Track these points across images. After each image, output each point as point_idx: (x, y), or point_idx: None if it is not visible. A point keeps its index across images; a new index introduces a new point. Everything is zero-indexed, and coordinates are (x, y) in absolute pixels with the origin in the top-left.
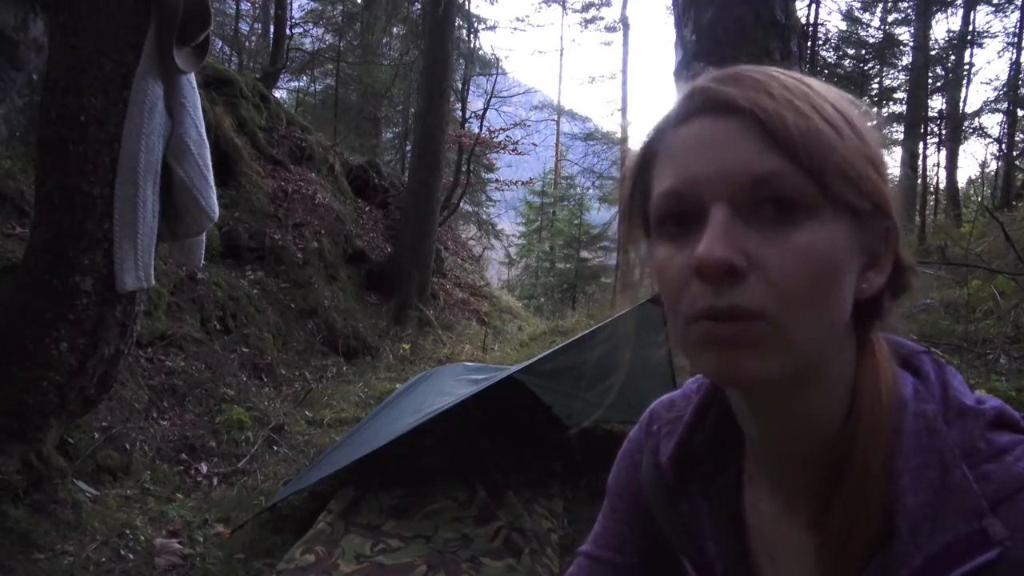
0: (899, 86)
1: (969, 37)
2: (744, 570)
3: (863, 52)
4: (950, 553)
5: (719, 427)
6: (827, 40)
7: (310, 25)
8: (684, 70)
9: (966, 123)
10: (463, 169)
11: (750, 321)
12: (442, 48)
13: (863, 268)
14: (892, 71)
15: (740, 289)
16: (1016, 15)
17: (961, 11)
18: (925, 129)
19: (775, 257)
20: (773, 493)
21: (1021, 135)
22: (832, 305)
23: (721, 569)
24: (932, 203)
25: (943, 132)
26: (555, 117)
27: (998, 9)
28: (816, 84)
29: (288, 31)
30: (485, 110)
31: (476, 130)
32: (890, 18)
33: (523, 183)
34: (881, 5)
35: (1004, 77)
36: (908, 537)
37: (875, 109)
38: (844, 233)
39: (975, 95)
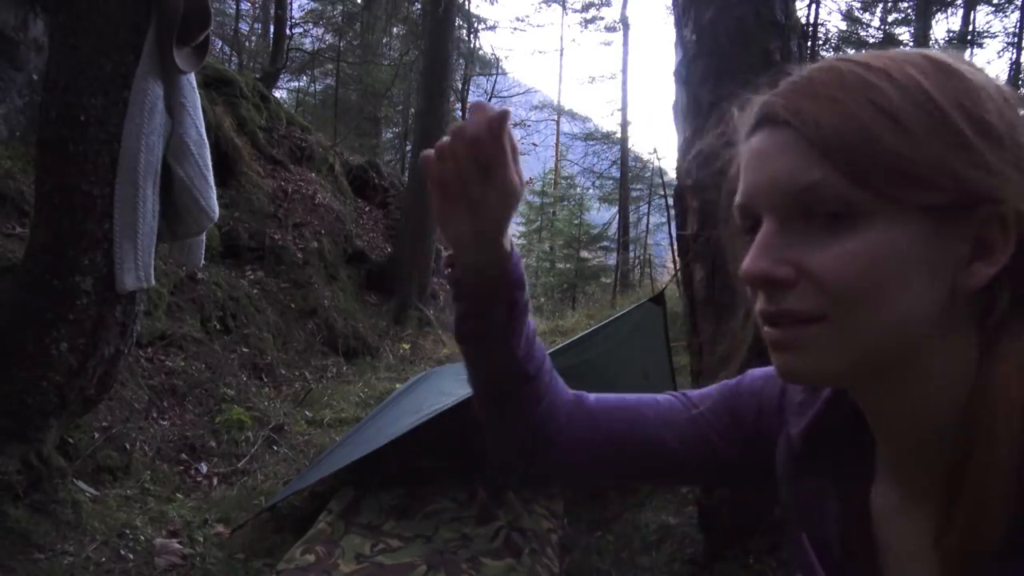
0: None
1: (969, 37)
2: (867, 557)
3: (863, 52)
4: None
5: (853, 415)
6: (827, 40)
7: (310, 25)
8: (684, 70)
9: None
10: None
11: (805, 324)
12: (442, 48)
13: (966, 258)
14: None
15: (790, 295)
16: (1016, 15)
17: (961, 11)
18: None
19: (822, 263)
20: (895, 485)
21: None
22: (897, 303)
23: (840, 552)
24: None
25: None
26: (555, 117)
27: (998, 9)
28: (898, 66)
29: (288, 31)
30: None
31: None
32: (890, 18)
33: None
34: (881, 5)
35: (1004, 77)
36: None
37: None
38: (912, 230)
39: None
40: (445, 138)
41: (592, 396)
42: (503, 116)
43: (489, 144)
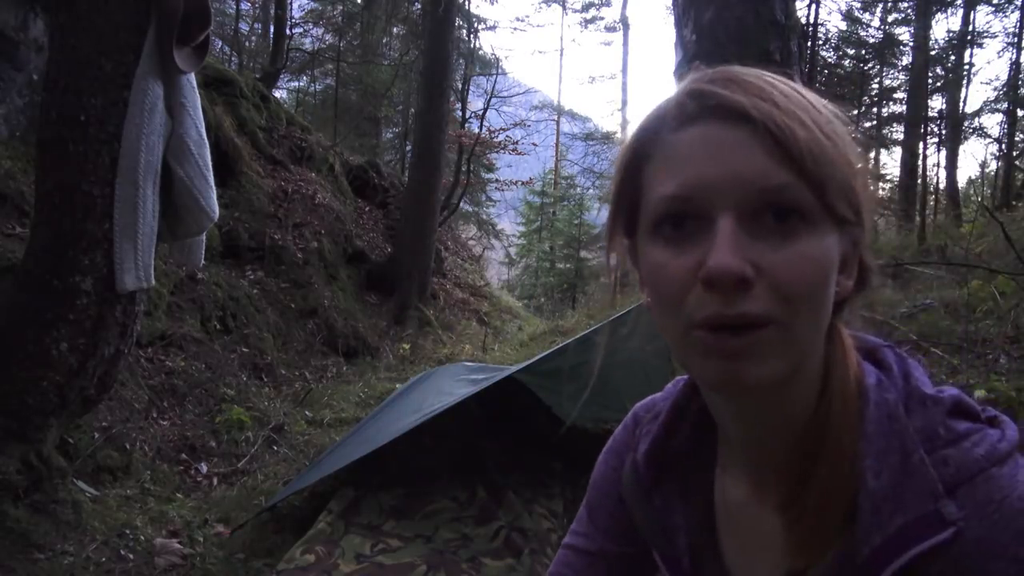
0: (899, 86)
1: (969, 37)
2: (712, 559)
3: (863, 52)
4: (907, 533)
5: (696, 425)
6: (827, 40)
7: (310, 25)
8: (684, 70)
9: (966, 123)
10: (463, 169)
11: (758, 329)
12: (442, 48)
13: (841, 271)
14: (892, 71)
15: (748, 298)
16: (1016, 15)
17: (961, 11)
18: (925, 129)
19: (780, 265)
20: (744, 480)
21: (1021, 135)
22: (826, 308)
23: (688, 561)
24: (932, 203)
25: (943, 132)
26: (555, 117)
27: (998, 9)
28: (807, 92)
29: (288, 31)
30: (485, 110)
31: (476, 130)
32: (890, 18)
33: (523, 183)
34: (881, 5)
35: (1004, 77)
36: (869, 517)
37: (875, 110)
38: (833, 240)
39: (975, 95)
40: None
41: None
42: None
43: None
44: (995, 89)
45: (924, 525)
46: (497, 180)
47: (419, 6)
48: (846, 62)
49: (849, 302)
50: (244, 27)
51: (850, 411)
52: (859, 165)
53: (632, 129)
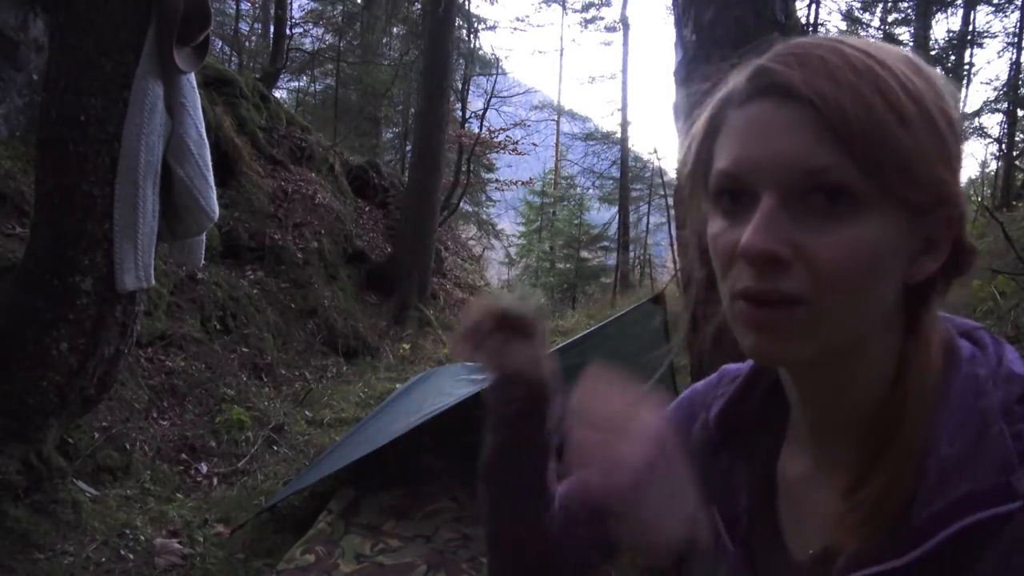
0: None
1: (969, 37)
2: (769, 525)
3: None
4: (971, 501)
5: (768, 395)
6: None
7: (310, 25)
8: (684, 70)
9: (966, 123)
10: (463, 169)
11: (788, 306)
12: (442, 48)
13: (917, 254)
14: None
15: (783, 276)
16: (1016, 15)
17: (961, 11)
18: None
19: (820, 248)
20: (809, 456)
21: (1021, 135)
22: (873, 293)
23: (746, 522)
24: None
25: None
26: (555, 117)
27: (998, 9)
28: (892, 60)
29: (288, 31)
30: (485, 110)
31: (476, 130)
32: (890, 18)
33: (523, 183)
34: (881, 5)
35: (1004, 77)
36: (935, 482)
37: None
38: (896, 225)
39: (975, 95)
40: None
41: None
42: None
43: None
44: (995, 89)
45: (990, 496)
46: (497, 180)
47: (419, 6)
48: None
49: (939, 285)
50: (244, 27)
51: (927, 399)
52: (950, 144)
53: (712, 99)
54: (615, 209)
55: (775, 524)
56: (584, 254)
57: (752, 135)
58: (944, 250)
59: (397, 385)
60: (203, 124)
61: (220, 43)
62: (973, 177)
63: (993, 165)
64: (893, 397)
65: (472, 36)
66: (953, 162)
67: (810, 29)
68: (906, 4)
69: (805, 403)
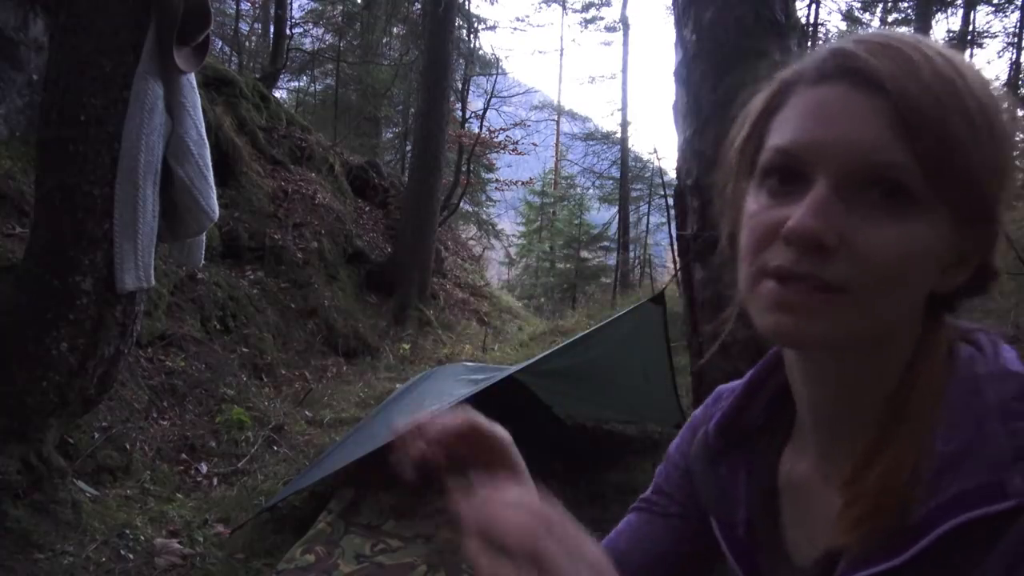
0: None
1: (969, 37)
2: (770, 531)
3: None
4: (963, 500)
5: (771, 402)
6: (827, 40)
7: (310, 25)
8: (684, 70)
9: None
10: (463, 169)
11: (827, 292)
12: (442, 48)
13: (949, 265)
14: None
15: (825, 263)
16: (1016, 15)
17: (961, 11)
18: None
19: (869, 243)
20: (811, 454)
21: (1021, 135)
22: (911, 293)
23: (743, 531)
24: None
25: None
26: (555, 117)
27: (998, 9)
28: (970, 74)
29: (288, 31)
30: (485, 110)
31: (476, 130)
32: (890, 18)
33: (523, 183)
34: (881, 5)
35: (1004, 77)
36: (930, 482)
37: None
38: (941, 232)
39: None
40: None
41: None
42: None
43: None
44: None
45: (981, 494)
46: (497, 180)
47: (419, 6)
48: None
49: (959, 301)
50: (244, 27)
51: (934, 398)
52: (1008, 164)
53: (778, 75)
54: (615, 209)
55: (777, 532)
56: (584, 254)
57: (821, 116)
58: (972, 266)
59: (397, 385)
60: (203, 124)
61: (220, 43)
62: None
63: None
64: (898, 397)
65: (472, 36)
66: (1007, 183)
67: (810, 29)
68: (906, 4)
69: (812, 397)
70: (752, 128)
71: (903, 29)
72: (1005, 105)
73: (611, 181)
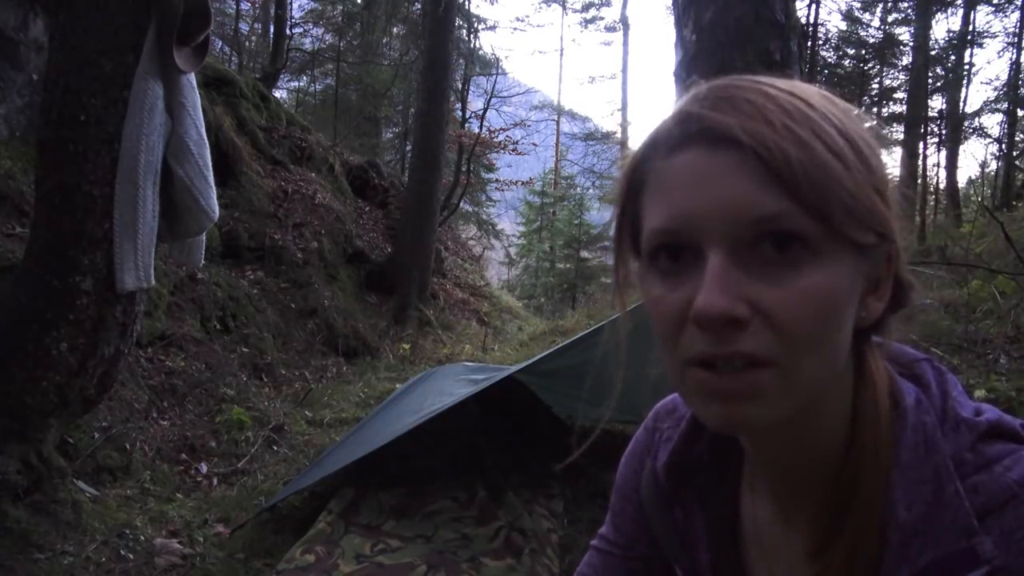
0: (899, 86)
1: (969, 37)
2: (734, 570)
3: (863, 52)
4: (937, 569)
5: (716, 438)
6: (827, 40)
7: (310, 25)
8: (684, 70)
9: (966, 123)
10: (463, 169)
11: (756, 369)
12: (442, 48)
13: (863, 295)
14: (892, 71)
15: (743, 336)
16: (1016, 15)
17: (961, 11)
18: (925, 129)
19: (779, 302)
20: (770, 500)
21: (1021, 135)
22: (836, 343)
23: (709, 575)
24: (932, 203)
25: (943, 132)
26: (555, 117)
27: (998, 9)
28: (816, 100)
29: (288, 31)
30: (485, 110)
31: (476, 130)
32: (890, 18)
33: (523, 183)
34: (881, 5)
35: (1004, 77)
36: (898, 551)
37: (875, 110)
38: (847, 268)
39: (975, 95)
40: None
41: None
42: None
43: None
44: (995, 89)
45: (956, 562)
46: (497, 180)
47: (419, 6)
48: (846, 62)
49: (884, 322)
50: (244, 27)
51: (883, 443)
52: (882, 177)
53: (630, 152)
54: (615, 209)
55: (742, 570)
56: (584, 254)
57: (687, 186)
58: (887, 287)
59: (397, 385)
60: (203, 124)
61: (220, 43)
62: (973, 177)
63: (993, 165)
64: (850, 452)
65: (472, 36)
66: (885, 194)
67: (810, 29)
68: (906, 4)
69: (761, 458)
70: (622, 211)
71: (903, 29)
72: (856, 114)
73: (611, 181)
